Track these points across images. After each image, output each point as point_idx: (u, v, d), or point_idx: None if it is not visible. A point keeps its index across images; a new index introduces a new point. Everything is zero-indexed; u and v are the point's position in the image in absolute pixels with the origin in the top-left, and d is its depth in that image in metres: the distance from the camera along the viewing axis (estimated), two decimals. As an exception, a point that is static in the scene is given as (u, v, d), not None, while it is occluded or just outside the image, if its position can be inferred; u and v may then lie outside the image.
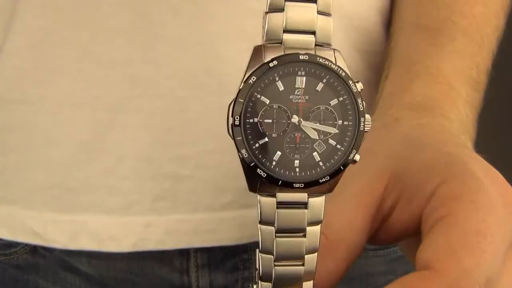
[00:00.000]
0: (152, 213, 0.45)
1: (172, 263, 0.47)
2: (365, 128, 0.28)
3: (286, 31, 0.28)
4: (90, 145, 0.44)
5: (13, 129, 0.45)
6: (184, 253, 0.47)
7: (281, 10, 0.28)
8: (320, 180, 0.28)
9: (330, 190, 0.29)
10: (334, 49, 0.28)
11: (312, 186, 0.28)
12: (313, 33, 0.28)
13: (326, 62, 0.28)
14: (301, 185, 0.28)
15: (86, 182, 0.45)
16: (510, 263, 0.29)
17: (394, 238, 0.33)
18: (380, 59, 0.48)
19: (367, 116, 0.28)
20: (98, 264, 0.46)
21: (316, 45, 0.28)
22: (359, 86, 0.28)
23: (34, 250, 0.47)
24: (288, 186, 0.28)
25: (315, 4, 0.28)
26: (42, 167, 0.45)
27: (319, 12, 0.28)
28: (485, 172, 0.30)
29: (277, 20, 0.28)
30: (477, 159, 0.32)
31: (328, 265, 0.30)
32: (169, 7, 0.42)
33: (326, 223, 0.30)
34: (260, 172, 0.28)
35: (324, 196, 0.29)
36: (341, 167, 0.28)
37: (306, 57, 0.28)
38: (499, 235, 0.28)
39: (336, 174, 0.28)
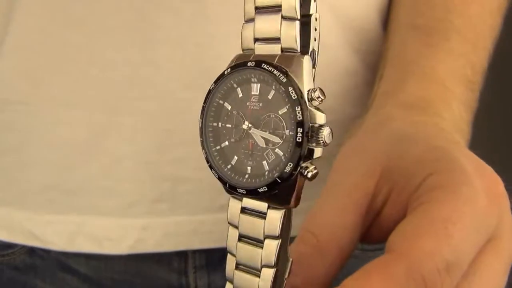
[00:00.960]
0: (151, 215, 0.45)
1: (170, 264, 0.47)
2: (303, 139, 0.26)
3: (256, 40, 0.28)
4: (88, 147, 0.44)
5: (10, 129, 0.45)
6: (182, 254, 0.47)
7: (253, 20, 0.29)
8: (259, 189, 0.27)
9: (294, 205, 0.27)
10: (299, 54, 0.27)
11: (252, 194, 0.28)
12: (279, 39, 0.28)
13: (269, 67, 0.27)
14: (244, 191, 0.28)
15: (83, 184, 0.45)
16: (488, 257, 0.28)
17: (386, 235, 0.32)
18: (378, 59, 0.48)
19: (325, 129, 0.26)
20: (96, 265, 0.47)
21: (283, 51, 0.28)
22: (315, 94, 0.27)
23: (31, 251, 0.47)
24: (232, 189, 0.28)
25: (279, 9, 0.28)
26: (39, 169, 0.45)
27: (283, 18, 0.28)
28: (474, 167, 0.30)
29: (249, 30, 0.29)
30: (468, 154, 0.31)
31: (320, 268, 0.30)
32: (169, 7, 0.42)
33: (317, 222, 0.30)
34: (214, 173, 0.29)
35: (282, 212, 0.27)
36: (277, 179, 0.27)
37: (253, 63, 0.28)
38: (473, 225, 0.27)
39: (273, 185, 0.27)
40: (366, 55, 0.48)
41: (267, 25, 0.28)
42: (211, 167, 0.29)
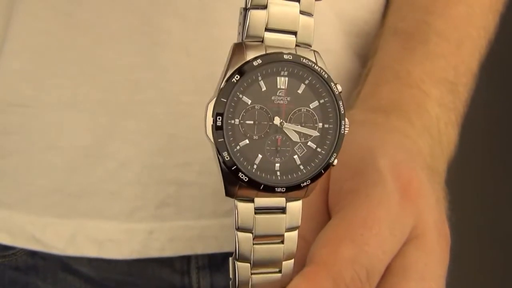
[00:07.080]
0: (156, 219, 0.45)
1: (173, 265, 0.47)
2: (345, 131, 0.28)
3: (267, 29, 0.27)
4: (91, 150, 0.44)
5: (12, 132, 0.44)
6: (185, 256, 0.47)
7: (264, 7, 0.27)
8: (301, 184, 0.27)
9: (307, 194, 0.28)
10: (314, 50, 0.28)
11: (293, 190, 0.27)
12: (295, 33, 0.28)
13: (309, 63, 0.27)
14: (283, 189, 0.27)
15: (87, 188, 0.44)
16: (412, 255, 0.29)
17: None
18: None
19: (346, 119, 0.28)
20: (98, 266, 0.46)
21: (296, 45, 0.28)
22: (339, 88, 0.28)
23: (33, 251, 0.46)
24: (269, 190, 0.27)
25: (298, 4, 0.28)
26: (42, 172, 0.44)
27: (301, 12, 0.28)
28: (391, 168, 0.30)
29: (259, 17, 0.27)
30: (392, 154, 0.32)
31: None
32: (174, 12, 0.42)
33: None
34: (242, 176, 0.27)
35: (301, 201, 0.28)
36: (322, 170, 0.28)
37: (290, 57, 0.27)
38: (388, 228, 0.28)
39: (317, 177, 0.28)
40: (368, 59, 0.48)
41: (286, 15, 0.27)
42: (237, 171, 0.27)
